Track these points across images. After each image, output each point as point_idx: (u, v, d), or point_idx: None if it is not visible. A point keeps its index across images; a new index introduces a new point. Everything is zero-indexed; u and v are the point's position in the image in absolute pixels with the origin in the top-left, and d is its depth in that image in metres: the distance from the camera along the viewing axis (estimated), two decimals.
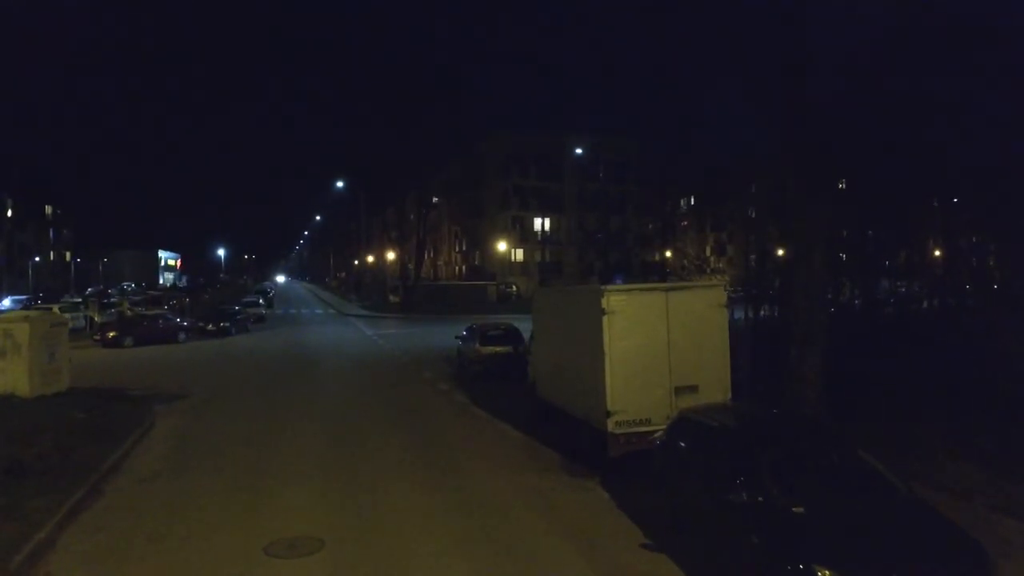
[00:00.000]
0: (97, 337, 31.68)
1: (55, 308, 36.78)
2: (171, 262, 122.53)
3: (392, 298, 70.84)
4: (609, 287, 12.26)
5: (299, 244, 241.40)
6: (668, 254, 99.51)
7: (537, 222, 70.39)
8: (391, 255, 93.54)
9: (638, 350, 11.76)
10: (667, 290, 12.50)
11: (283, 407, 18.30)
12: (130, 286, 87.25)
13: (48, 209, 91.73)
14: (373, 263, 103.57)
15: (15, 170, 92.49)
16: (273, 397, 19.82)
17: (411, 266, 65.70)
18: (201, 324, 36.74)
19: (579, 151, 59.95)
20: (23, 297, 51.91)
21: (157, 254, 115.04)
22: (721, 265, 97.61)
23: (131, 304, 46.51)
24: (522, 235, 69.06)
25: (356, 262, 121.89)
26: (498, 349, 21.68)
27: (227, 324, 36.88)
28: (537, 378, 16.05)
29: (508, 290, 64.18)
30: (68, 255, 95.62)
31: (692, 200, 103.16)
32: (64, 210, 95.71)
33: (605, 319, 11.63)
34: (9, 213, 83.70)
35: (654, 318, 11.94)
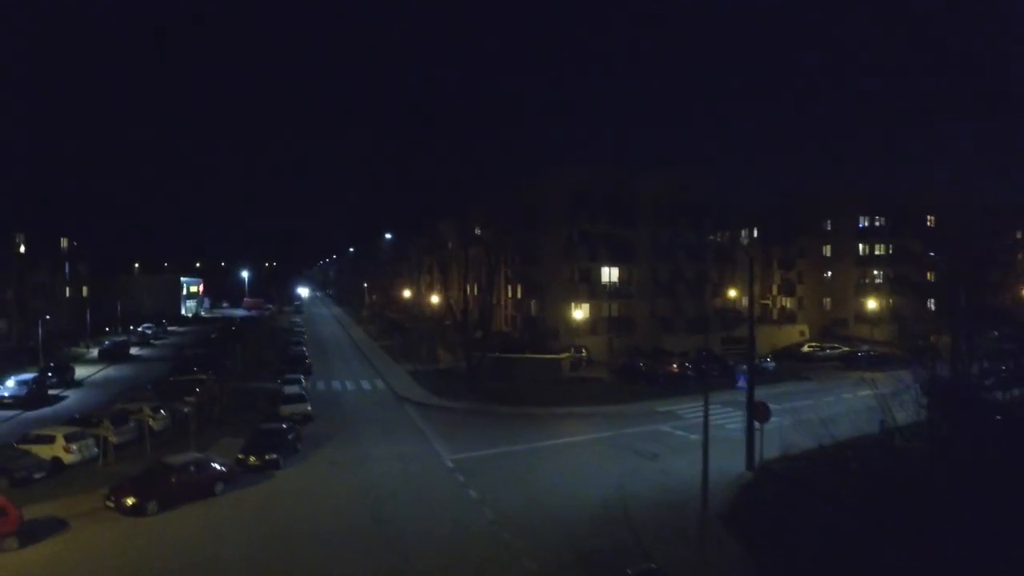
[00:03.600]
0: (111, 502, 24.16)
1: (60, 435, 29.40)
2: (192, 288, 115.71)
3: (442, 354, 63.41)
4: None
5: (325, 261, 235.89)
6: (733, 293, 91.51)
7: (605, 271, 62.50)
8: (435, 297, 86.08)
9: None
10: None
11: None
12: (151, 328, 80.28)
13: (64, 243, 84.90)
14: (415, 300, 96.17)
15: (27, 202, 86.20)
16: None
17: (470, 321, 58.12)
18: (241, 456, 29.24)
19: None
20: (28, 377, 44.66)
21: (179, 281, 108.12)
22: (788, 305, 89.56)
23: (154, 395, 39.07)
24: (590, 289, 61.14)
25: (389, 292, 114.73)
26: None
27: (274, 456, 29.35)
28: None
29: (580, 355, 56.41)
30: (84, 290, 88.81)
31: (755, 232, 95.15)
32: (80, 241, 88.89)
33: None
34: (21, 249, 76.97)
35: None
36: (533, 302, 67.11)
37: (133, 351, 68.23)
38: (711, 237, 68.31)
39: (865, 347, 62.87)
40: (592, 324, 61.37)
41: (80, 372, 55.15)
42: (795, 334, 74.73)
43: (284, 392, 40.44)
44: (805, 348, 68.20)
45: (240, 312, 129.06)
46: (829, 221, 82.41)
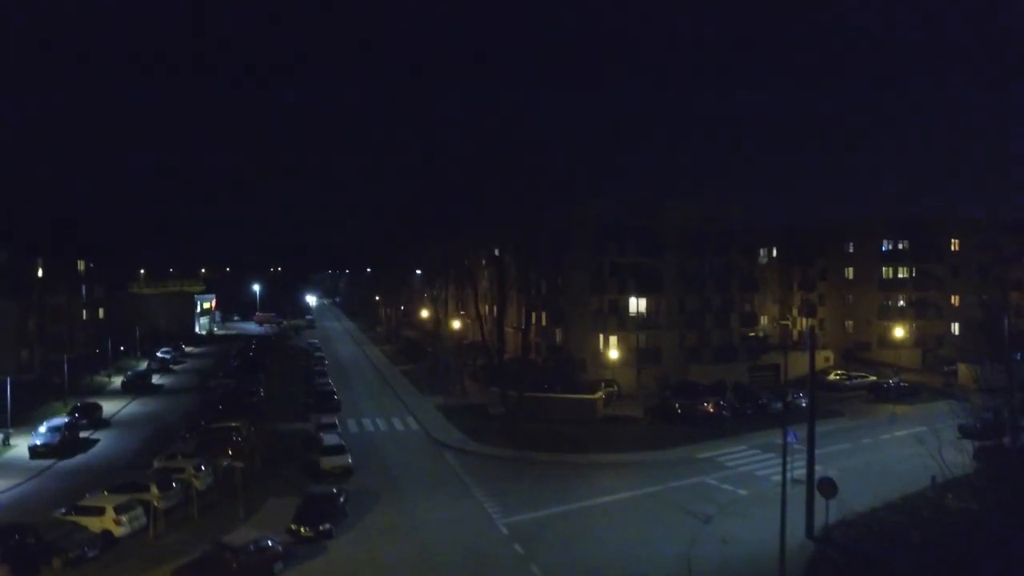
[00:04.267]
0: None
1: (109, 506, 28.85)
2: (205, 304, 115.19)
3: (468, 384, 62.90)
4: None
5: (334, 272, 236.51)
6: (764, 319, 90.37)
7: (632, 302, 61.99)
8: (456, 322, 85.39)
9: None
10: None
11: None
12: (169, 353, 79.74)
13: (81, 265, 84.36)
14: (432, 318, 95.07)
15: (46, 223, 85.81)
16: None
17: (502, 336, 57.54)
18: (294, 526, 28.73)
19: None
20: (59, 422, 44.06)
21: (192, 299, 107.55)
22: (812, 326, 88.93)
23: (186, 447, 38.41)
24: (618, 321, 60.66)
25: (404, 305, 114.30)
26: None
27: (327, 526, 28.85)
28: None
29: (612, 390, 55.93)
30: (101, 312, 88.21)
31: (775, 252, 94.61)
32: (97, 262, 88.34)
33: None
34: (40, 274, 76.32)
35: None
36: (559, 330, 66.67)
37: (155, 379, 67.69)
38: (737, 261, 67.76)
39: (893, 379, 62.31)
40: (620, 355, 60.83)
41: (106, 407, 54.65)
42: (820, 360, 74.11)
43: (323, 443, 39.84)
44: (831, 376, 67.63)
45: (252, 327, 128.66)
46: (851, 244, 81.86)
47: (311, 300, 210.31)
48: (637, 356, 61.61)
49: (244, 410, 50.35)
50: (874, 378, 67.03)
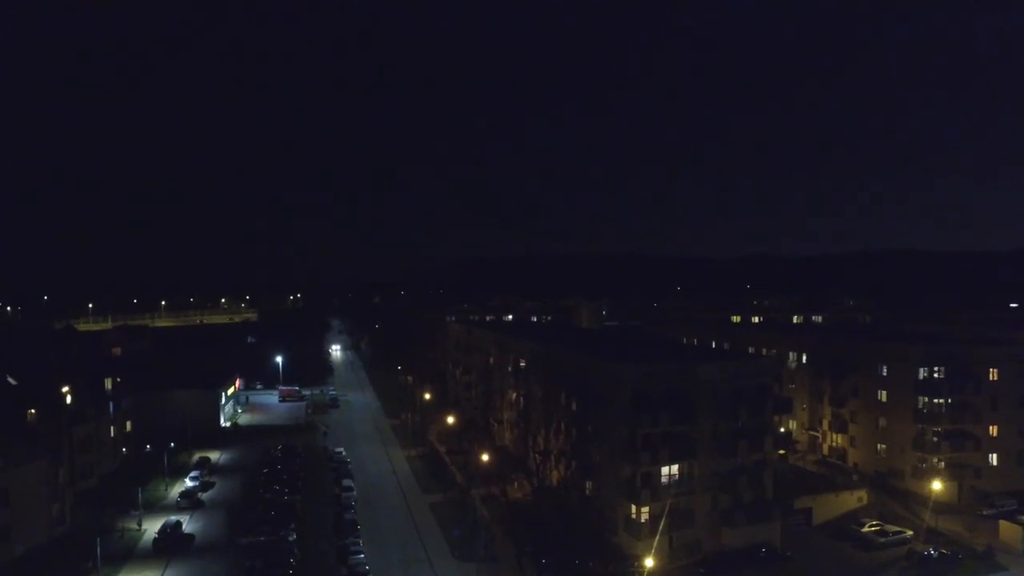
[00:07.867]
0: None
1: None
2: (229, 391, 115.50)
3: (503, 547, 62.24)
4: None
5: (354, 336, 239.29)
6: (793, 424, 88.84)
7: (665, 470, 61.21)
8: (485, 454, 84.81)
9: None
10: None
11: None
12: (196, 478, 79.82)
13: (108, 383, 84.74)
14: (461, 433, 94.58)
15: (73, 349, 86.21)
16: None
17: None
18: None
19: None
20: None
21: (217, 394, 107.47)
22: (839, 442, 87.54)
23: None
24: (651, 492, 59.88)
25: (427, 395, 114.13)
26: None
27: None
28: None
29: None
30: (128, 425, 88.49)
31: (804, 357, 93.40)
32: (123, 377, 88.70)
33: None
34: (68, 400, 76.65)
35: None
36: (589, 483, 66.03)
37: (186, 522, 67.30)
38: (771, 420, 66.78)
39: (932, 551, 61.13)
40: (651, 520, 60.05)
41: None
42: (852, 501, 72.99)
43: None
44: (866, 528, 66.29)
45: (275, 401, 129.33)
46: (885, 367, 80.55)
47: (334, 349, 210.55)
48: (669, 521, 60.78)
49: None
50: (910, 533, 65.71)
